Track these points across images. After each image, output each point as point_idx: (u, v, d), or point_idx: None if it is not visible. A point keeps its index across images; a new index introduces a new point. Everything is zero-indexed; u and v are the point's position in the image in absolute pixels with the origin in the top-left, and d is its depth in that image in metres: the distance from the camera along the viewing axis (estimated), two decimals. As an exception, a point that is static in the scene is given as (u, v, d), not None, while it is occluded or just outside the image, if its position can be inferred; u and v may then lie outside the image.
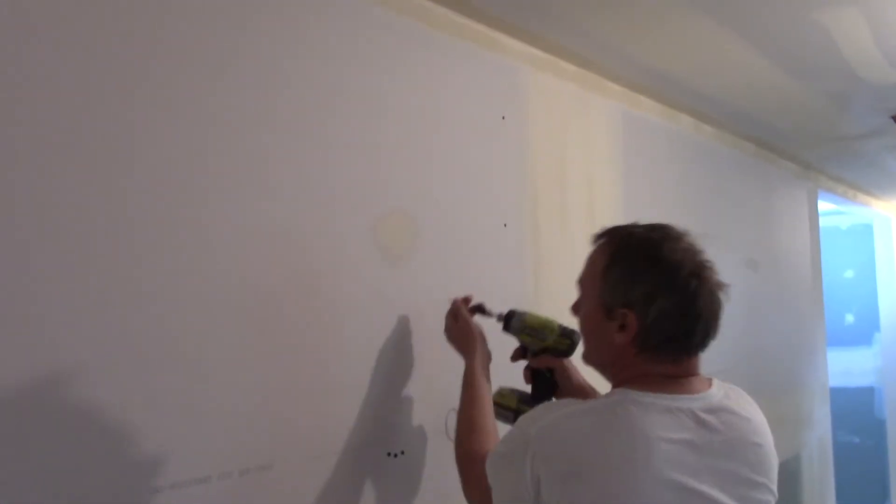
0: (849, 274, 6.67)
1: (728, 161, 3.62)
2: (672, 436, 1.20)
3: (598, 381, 1.52)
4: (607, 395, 1.30)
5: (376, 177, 1.76)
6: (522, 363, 1.75)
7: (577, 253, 2.44)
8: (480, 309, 1.80)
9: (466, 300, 1.81)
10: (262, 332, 1.50)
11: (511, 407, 1.70)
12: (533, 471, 1.23)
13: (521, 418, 1.34)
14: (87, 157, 1.24)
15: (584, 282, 1.40)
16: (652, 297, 1.26)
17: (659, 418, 1.21)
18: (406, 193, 1.84)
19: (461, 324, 1.75)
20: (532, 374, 1.73)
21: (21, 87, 1.17)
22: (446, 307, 1.81)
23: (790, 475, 4.06)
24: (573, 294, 1.45)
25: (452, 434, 1.89)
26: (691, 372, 1.30)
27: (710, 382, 1.32)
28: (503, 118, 2.18)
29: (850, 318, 6.65)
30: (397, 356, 1.79)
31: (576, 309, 1.43)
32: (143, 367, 1.30)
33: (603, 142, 2.65)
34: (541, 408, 1.35)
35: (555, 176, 2.39)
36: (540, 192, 2.31)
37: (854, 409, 6.38)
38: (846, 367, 6.36)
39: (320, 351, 1.62)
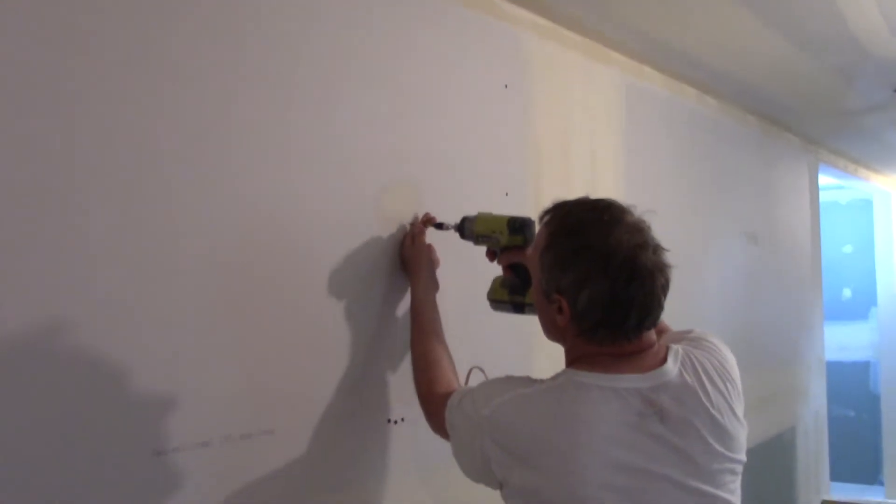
0: (847, 249, 6.68)
1: (730, 133, 3.60)
2: (617, 418, 1.20)
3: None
4: (554, 378, 1.29)
5: (377, 145, 1.75)
6: None
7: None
8: (439, 226, 1.80)
9: (427, 220, 1.79)
10: (264, 298, 1.50)
11: (504, 300, 1.72)
12: (483, 450, 1.28)
13: (476, 392, 1.37)
14: (76, 122, 1.24)
15: (530, 261, 1.39)
16: (581, 285, 1.24)
17: (603, 401, 1.21)
18: (407, 162, 1.83)
19: (416, 247, 1.74)
20: (509, 267, 1.72)
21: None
22: (447, 276, 1.81)
23: (785, 447, 4.09)
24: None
25: (452, 401, 1.90)
26: (643, 347, 1.28)
27: (665, 356, 1.28)
28: (506, 87, 2.17)
29: (847, 292, 6.67)
30: (399, 325, 1.79)
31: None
32: (146, 334, 1.30)
33: (606, 112, 2.64)
34: (496, 384, 1.37)
35: (557, 145, 2.38)
36: (542, 162, 2.30)
37: (850, 383, 6.42)
38: (843, 341, 6.38)
39: (322, 317, 1.62)
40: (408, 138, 1.83)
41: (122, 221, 1.27)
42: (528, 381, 1.34)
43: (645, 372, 1.25)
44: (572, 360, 1.31)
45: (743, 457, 1.30)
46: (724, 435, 1.26)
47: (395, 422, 1.77)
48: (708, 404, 1.25)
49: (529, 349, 2.15)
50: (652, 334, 1.30)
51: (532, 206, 2.23)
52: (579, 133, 2.49)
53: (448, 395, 1.47)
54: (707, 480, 1.23)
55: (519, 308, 1.70)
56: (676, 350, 1.30)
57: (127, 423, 1.27)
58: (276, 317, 1.52)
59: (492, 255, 1.75)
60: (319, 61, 1.62)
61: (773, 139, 4.08)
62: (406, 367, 1.80)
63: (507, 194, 2.14)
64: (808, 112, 3.85)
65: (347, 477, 1.66)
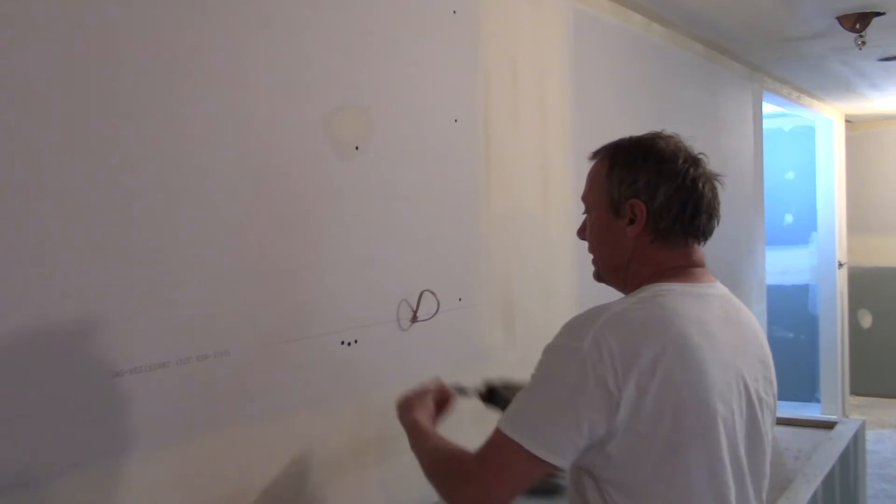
0: (790, 175, 6.81)
1: (677, 61, 3.64)
2: (709, 319, 1.29)
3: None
4: (639, 291, 1.31)
5: (325, 70, 1.76)
6: None
7: (527, 149, 2.47)
8: (461, 391, 1.64)
9: (442, 392, 1.60)
10: (220, 223, 1.51)
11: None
12: (603, 379, 1.18)
13: (565, 332, 1.26)
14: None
15: (587, 195, 1.42)
16: (655, 185, 1.32)
17: (694, 303, 1.29)
18: (356, 87, 1.84)
19: (411, 399, 1.55)
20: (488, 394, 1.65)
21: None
22: (398, 201, 1.83)
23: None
24: (523, 188, 1.48)
25: (404, 324, 1.95)
26: (701, 262, 1.38)
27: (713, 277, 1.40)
28: (454, 13, 2.17)
29: (789, 218, 6.83)
30: (351, 248, 1.82)
31: (582, 231, 1.44)
32: (103, 257, 1.31)
33: (555, 38, 2.65)
34: (577, 320, 1.26)
35: (506, 72, 2.39)
36: (492, 88, 2.31)
37: (790, 305, 6.63)
38: (784, 265, 6.57)
39: (276, 240, 1.64)
40: (354, 64, 1.84)
41: (81, 157, 1.27)
42: (607, 305, 1.27)
43: (710, 283, 1.37)
44: (646, 278, 1.33)
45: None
46: (767, 357, 1.41)
47: (349, 343, 1.82)
48: (754, 324, 1.42)
49: (477, 267, 2.20)
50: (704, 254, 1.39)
51: (482, 132, 2.26)
52: (528, 60, 2.50)
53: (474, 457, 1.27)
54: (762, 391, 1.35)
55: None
56: None
57: (84, 345, 1.29)
58: (230, 241, 1.54)
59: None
60: (266, -15, 1.61)
61: (718, 67, 4.13)
62: (358, 288, 1.83)
63: (456, 121, 2.16)
64: (752, 39, 3.90)
65: (301, 397, 1.70)
